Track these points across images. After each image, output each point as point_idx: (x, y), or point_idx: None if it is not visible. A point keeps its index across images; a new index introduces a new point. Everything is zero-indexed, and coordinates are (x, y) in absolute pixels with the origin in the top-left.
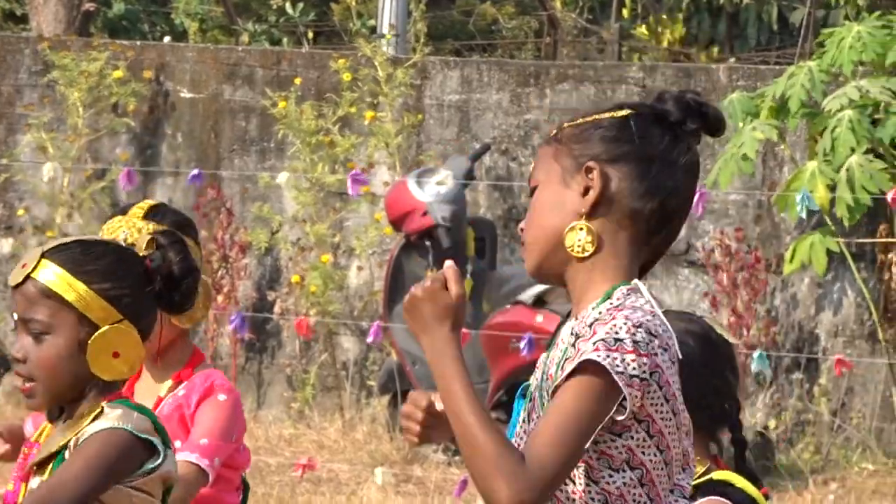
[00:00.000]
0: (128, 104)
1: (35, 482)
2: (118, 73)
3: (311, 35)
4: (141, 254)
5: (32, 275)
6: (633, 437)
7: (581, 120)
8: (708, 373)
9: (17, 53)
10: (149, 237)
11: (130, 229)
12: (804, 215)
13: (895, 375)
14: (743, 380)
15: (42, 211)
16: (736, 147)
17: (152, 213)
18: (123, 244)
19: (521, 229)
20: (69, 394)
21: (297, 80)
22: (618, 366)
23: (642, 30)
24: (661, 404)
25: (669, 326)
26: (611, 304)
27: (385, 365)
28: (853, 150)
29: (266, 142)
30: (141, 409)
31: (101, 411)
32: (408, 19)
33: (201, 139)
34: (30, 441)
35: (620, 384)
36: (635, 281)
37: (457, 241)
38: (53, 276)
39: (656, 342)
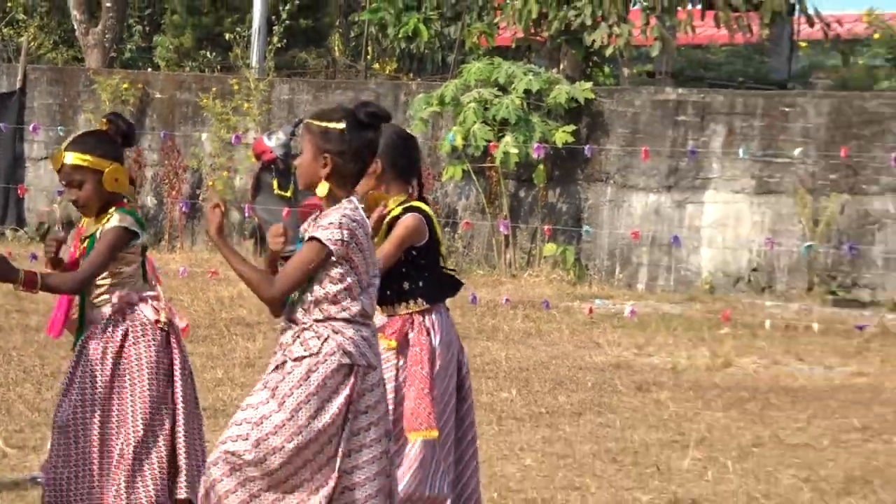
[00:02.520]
0: None
1: (82, 247)
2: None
3: (218, 68)
4: (104, 128)
5: (63, 160)
6: (343, 268)
7: (322, 123)
8: (405, 150)
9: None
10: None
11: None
12: (450, 151)
13: (493, 229)
14: (423, 157)
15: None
16: (418, 119)
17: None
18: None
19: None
20: (100, 206)
21: (213, 89)
22: (328, 236)
23: (377, 65)
24: (357, 253)
25: (364, 217)
26: (337, 207)
27: (252, 224)
28: (475, 122)
29: (194, 118)
30: (130, 213)
31: (111, 217)
32: (264, 59)
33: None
34: (80, 227)
35: (328, 245)
36: (351, 198)
37: (287, 166)
38: (73, 157)
39: (354, 224)
